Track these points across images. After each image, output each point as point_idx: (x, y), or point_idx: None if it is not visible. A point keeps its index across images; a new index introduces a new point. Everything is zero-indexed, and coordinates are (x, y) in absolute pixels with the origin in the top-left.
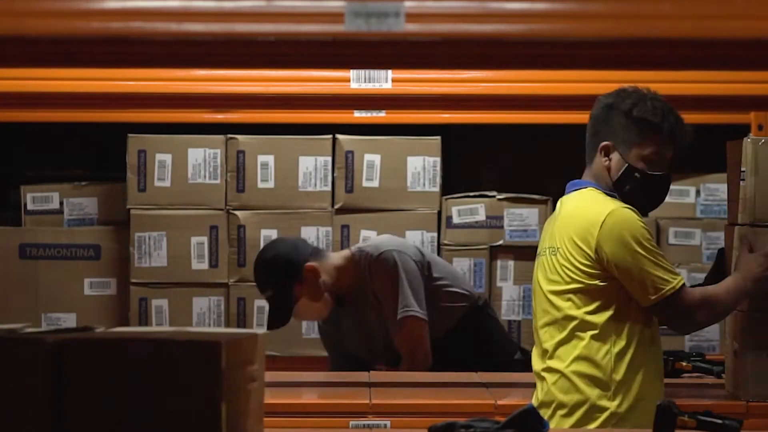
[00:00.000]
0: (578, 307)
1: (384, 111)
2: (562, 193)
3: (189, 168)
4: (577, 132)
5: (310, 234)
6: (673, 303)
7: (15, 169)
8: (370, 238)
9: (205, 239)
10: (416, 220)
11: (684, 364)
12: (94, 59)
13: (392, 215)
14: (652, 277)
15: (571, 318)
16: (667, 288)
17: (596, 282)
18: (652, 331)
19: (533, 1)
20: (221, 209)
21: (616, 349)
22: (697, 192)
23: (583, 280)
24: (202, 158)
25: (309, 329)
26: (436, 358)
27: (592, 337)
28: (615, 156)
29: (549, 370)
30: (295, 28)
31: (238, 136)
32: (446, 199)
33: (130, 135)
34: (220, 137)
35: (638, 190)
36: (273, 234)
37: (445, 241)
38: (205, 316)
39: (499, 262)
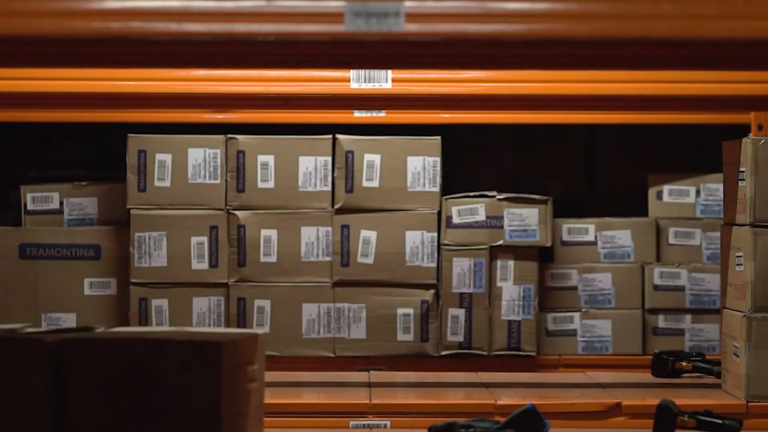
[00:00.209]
0: None
1: (384, 111)
2: (561, 193)
3: (189, 168)
4: (577, 132)
5: (310, 234)
6: None
7: (15, 169)
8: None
9: (205, 239)
10: (416, 220)
11: (684, 364)
12: (94, 59)
13: (392, 215)
14: None
15: None
16: None
17: None
18: None
19: (533, 1)
20: (221, 209)
21: None
22: (697, 192)
23: None
24: (202, 158)
25: (309, 329)
26: None
27: None
28: None
29: None
30: (295, 28)
31: (238, 136)
32: (446, 199)
33: (130, 135)
34: (220, 137)
35: None
36: (273, 234)
37: (445, 241)
38: (205, 316)
39: (499, 262)
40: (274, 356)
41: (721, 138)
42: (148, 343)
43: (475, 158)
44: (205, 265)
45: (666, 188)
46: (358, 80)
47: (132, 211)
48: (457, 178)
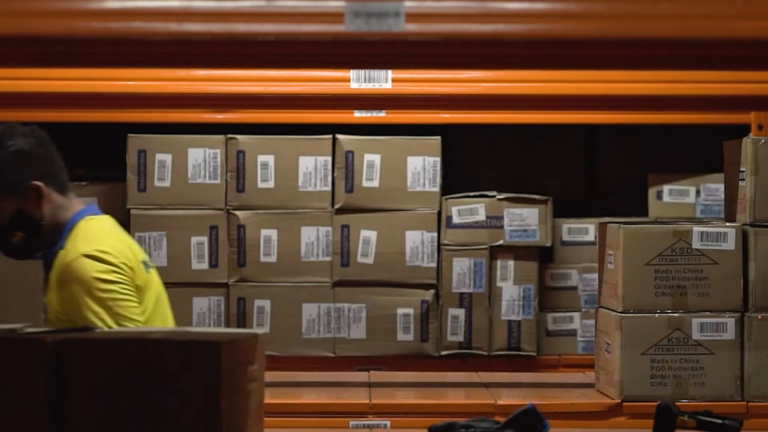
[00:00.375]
0: None
1: (384, 111)
2: (561, 193)
3: (189, 168)
4: (577, 132)
5: (310, 234)
6: None
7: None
8: (370, 239)
9: (205, 239)
10: (416, 220)
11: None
12: (94, 59)
13: (392, 215)
14: None
15: None
16: None
17: None
18: None
19: (533, 1)
20: (221, 209)
21: None
22: (697, 192)
23: None
24: (202, 158)
25: (309, 329)
26: None
27: None
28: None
29: None
30: (295, 28)
31: (238, 136)
32: (446, 199)
33: (130, 135)
34: (220, 137)
35: None
36: (273, 234)
37: (445, 241)
38: (205, 316)
39: (499, 262)
40: (274, 356)
41: (722, 138)
42: (148, 343)
43: (475, 158)
44: (205, 265)
45: (666, 188)
46: (358, 80)
47: (132, 211)
48: (457, 178)
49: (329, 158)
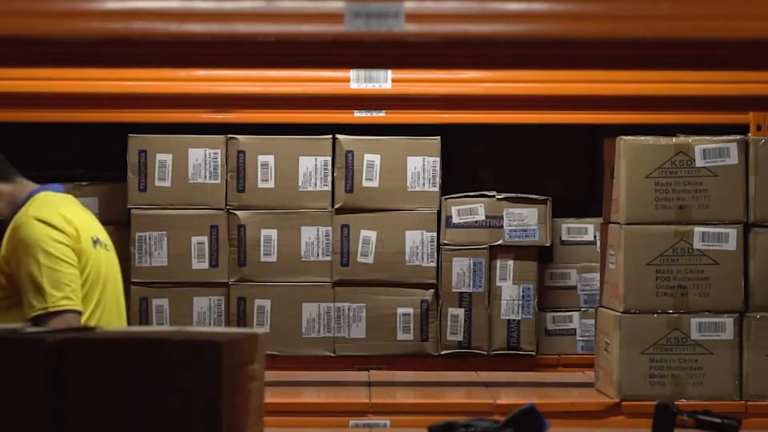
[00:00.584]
0: None
1: (384, 111)
2: (561, 193)
3: (189, 168)
4: (577, 132)
5: (310, 234)
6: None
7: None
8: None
9: (205, 239)
10: (416, 219)
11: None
12: (94, 59)
13: (392, 215)
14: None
15: None
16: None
17: None
18: None
19: (532, 2)
20: (221, 209)
21: None
22: None
23: None
24: (203, 158)
25: (309, 329)
26: None
27: None
28: None
29: None
30: (295, 29)
31: (239, 137)
32: (446, 199)
33: (130, 135)
34: (221, 137)
35: None
36: (273, 234)
37: (445, 241)
38: (205, 315)
39: (498, 262)
40: (274, 356)
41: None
42: (148, 343)
43: (475, 158)
44: (205, 265)
45: None
46: (358, 80)
47: (132, 211)
48: (457, 178)
49: (329, 158)
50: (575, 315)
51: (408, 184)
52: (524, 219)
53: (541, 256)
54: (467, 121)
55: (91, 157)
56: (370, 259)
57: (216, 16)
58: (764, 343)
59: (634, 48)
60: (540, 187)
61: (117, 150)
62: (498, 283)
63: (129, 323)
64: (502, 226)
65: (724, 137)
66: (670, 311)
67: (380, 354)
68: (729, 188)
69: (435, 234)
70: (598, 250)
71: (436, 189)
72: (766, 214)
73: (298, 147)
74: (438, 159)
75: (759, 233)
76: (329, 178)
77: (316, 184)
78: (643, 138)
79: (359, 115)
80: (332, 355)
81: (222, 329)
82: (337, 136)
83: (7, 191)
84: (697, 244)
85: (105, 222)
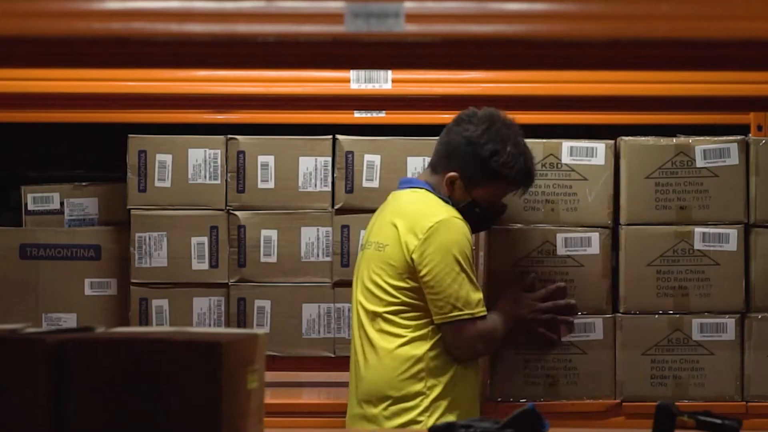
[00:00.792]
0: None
1: (384, 111)
2: None
3: (189, 168)
4: (577, 132)
5: (310, 234)
6: (457, 331)
7: (16, 169)
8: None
9: (205, 239)
10: None
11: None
12: (94, 60)
13: None
14: (453, 298)
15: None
16: (461, 314)
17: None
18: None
19: (533, 2)
20: (221, 209)
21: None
22: None
23: (393, 282)
24: (203, 159)
25: (309, 329)
26: None
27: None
28: (459, 184)
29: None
30: (296, 29)
31: (239, 137)
32: None
33: (130, 135)
34: (221, 138)
35: (474, 220)
36: (273, 234)
37: None
38: (205, 316)
39: None
40: (274, 356)
41: None
42: (148, 343)
43: None
44: (205, 266)
45: None
46: (358, 81)
47: (132, 212)
48: None
49: (329, 159)
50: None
51: None
52: None
53: None
54: None
55: (91, 157)
56: None
57: (216, 16)
58: (766, 343)
59: (634, 48)
60: None
61: (117, 150)
62: None
63: (128, 324)
64: None
65: (725, 138)
66: (671, 312)
67: None
68: (729, 189)
69: None
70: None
71: None
72: (767, 214)
73: (298, 147)
74: None
75: (760, 234)
76: (329, 179)
77: (316, 185)
78: (643, 138)
79: (359, 116)
80: (332, 355)
81: (222, 330)
82: (337, 136)
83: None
84: (698, 245)
85: (105, 222)
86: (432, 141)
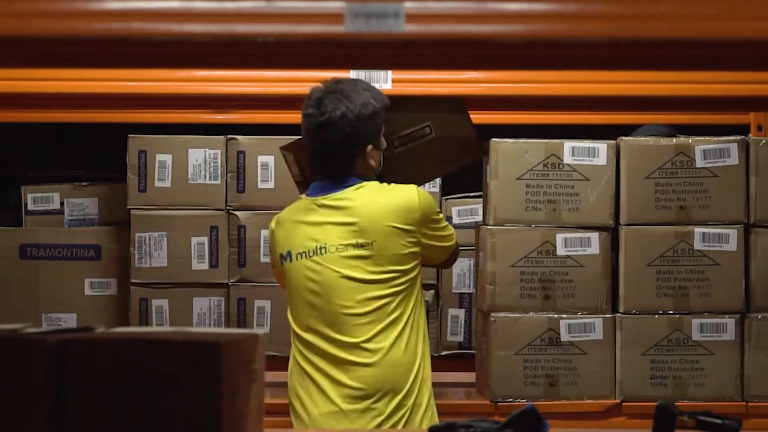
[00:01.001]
0: (396, 295)
1: None
2: None
3: (189, 168)
4: (577, 132)
5: None
6: (455, 252)
7: (16, 169)
8: None
9: (205, 239)
10: None
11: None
12: (94, 60)
13: None
14: (449, 236)
15: (388, 307)
16: (454, 241)
17: (412, 264)
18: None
19: (532, 2)
20: (221, 210)
21: (421, 334)
22: None
23: (402, 266)
24: (203, 159)
25: None
26: None
27: (406, 323)
28: (374, 153)
29: (366, 357)
30: (296, 29)
31: (239, 137)
32: (446, 199)
33: (130, 135)
34: (221, 138)
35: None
36: None
37: None
38: (205, 316)
39: None
40: (274, 356)
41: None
42: (148, 343)
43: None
44: (205, 266)
45: None
46: None
47: (132, 212)
48: (457, 178)
49: None
50: None
51: None
52: None
53: None
54: None
55: (91, 157)
56: None
57: (216, 16)
58: (765, 343)
59: (634, 48)
60: None
61: (117, 150)
62: None
63: (128, 324)
64: None
65: (725, 138)
66: (671, 312)
67: None
68: (729, 189)
69: None
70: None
71: (437, 189)
72: (767, 214)
73: None
74: None
75: (760, 234)
76: None
77: None
78: (643, 138)
79: None
80: None
81: (222, 330)
82: None
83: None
84: (698, 245)
85: (105, 222)
86: None
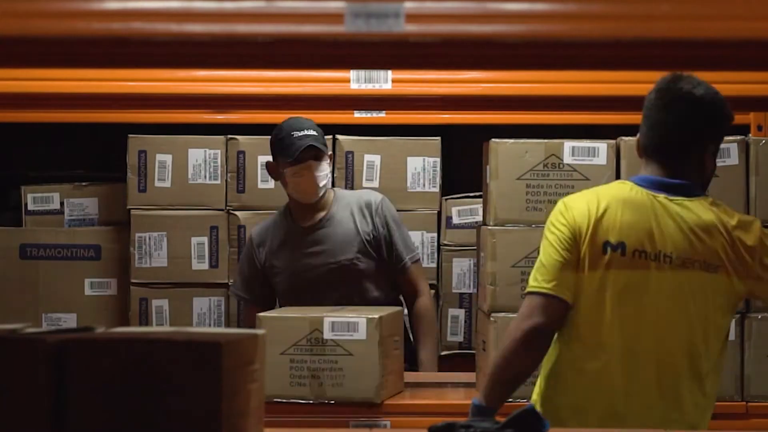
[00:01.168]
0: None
1: (384, 111)
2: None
3: (189, 168)
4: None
5: None
6: None
7: (16, 169)
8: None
9: (205, 239)
10: (416, 220)
11: None
12: (94, 60)
13: None
14: None
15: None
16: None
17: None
18: None
19: (533, 2)
20: (221, 210)
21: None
22: None
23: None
24: (203, 159)
25: None
26: None
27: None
28: (710, 159)
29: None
30: (296, 29)
31: (239, 137)
32: (446, 199)
33: (130, 135)
34: (221, 138)
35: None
36: None
37: (445, 242)
38: (205, 316)
39: None
40: None
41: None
42: (148, 343)
43: (475, 158)
44: (205, 266)
45: None
46: (358, 81)
47: (132, 212)
48: (457, 178)
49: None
50: None
51: (408, 184)
52: None
53: None
54: (467, 121)
55: (91, 157)
56: None
57: (216, 16)
58: (765, 343)
59: (634, 48)
60: None
61: (117, 150)
62: None
63: (128, 324)
64: None
65: (725, 138)
66: None
67: None
68: (729, 189)
69: (435, 234)
70: None
71: (437, 189)
72: (767, 214)
73: None
74: (438, 159)
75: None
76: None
77: None
78: None
79: (359, 116)
80: None
81: (222, 330)
82: (337, 136)
83: None
84: None
85: (105, 222)
86: (432, 141)
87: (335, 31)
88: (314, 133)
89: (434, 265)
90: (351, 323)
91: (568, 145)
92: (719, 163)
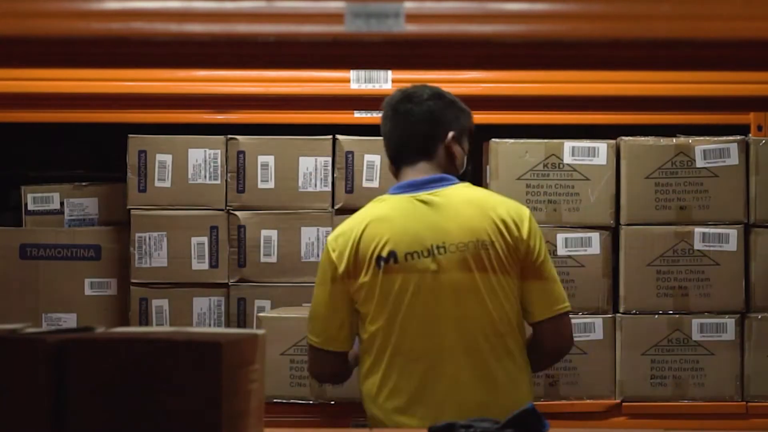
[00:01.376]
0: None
1: None
2: None
3: (189, 168)
4: (577, 132)
5: (310, 234)
6: (566, 322)
7: (16, 169)
8: None
9: (205, 239)
10: None
11: None
12: (94, 60)
13: None
14: (558, 287)
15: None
16: (566, 305)
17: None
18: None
19: (533, 2)
20: (221, 210)
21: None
22: None
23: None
24: (203, 159)
25: None
26: None
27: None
28: (457, 147)
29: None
30: (296, 29)
31: (239, 137)
32: None
33: (130, 135)
34: (221, 138)
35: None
36: (273, 234)
37: None
38: (205, 316)
39: None
40: None
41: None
42: (148, 343)
43: (475, 158)
44: (205, 266)
45: None
46: (358, 81)
47: (132, 212)
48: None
49: (329, 159)
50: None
51: None
52: None
53: None
54: None
55: (91, 157)
56: None
57: (216, 16)
58: (765, 343)
59: (634, 48)
60: None
61: (117, 150)
62: None
63: (128, 324)
64: None
65: (725, 138)
66: (671, 312)
67: None
68: (729, 189)
69: None
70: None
71: None
72: (767, 214)
73: (298, 147)
74: None
75: (760, 234)
76: (329, 179)
77: (316, 185)
78: (643, 138)
79: (359, 116)
80: None
81: (222, 330)
82: (337, 136)
83: None
84: (698, 245)
85: (105, 222)
86: None
87: (335, 31)
88: None
89: None
90: None
91: (568, 145)
92: (719, 163)
